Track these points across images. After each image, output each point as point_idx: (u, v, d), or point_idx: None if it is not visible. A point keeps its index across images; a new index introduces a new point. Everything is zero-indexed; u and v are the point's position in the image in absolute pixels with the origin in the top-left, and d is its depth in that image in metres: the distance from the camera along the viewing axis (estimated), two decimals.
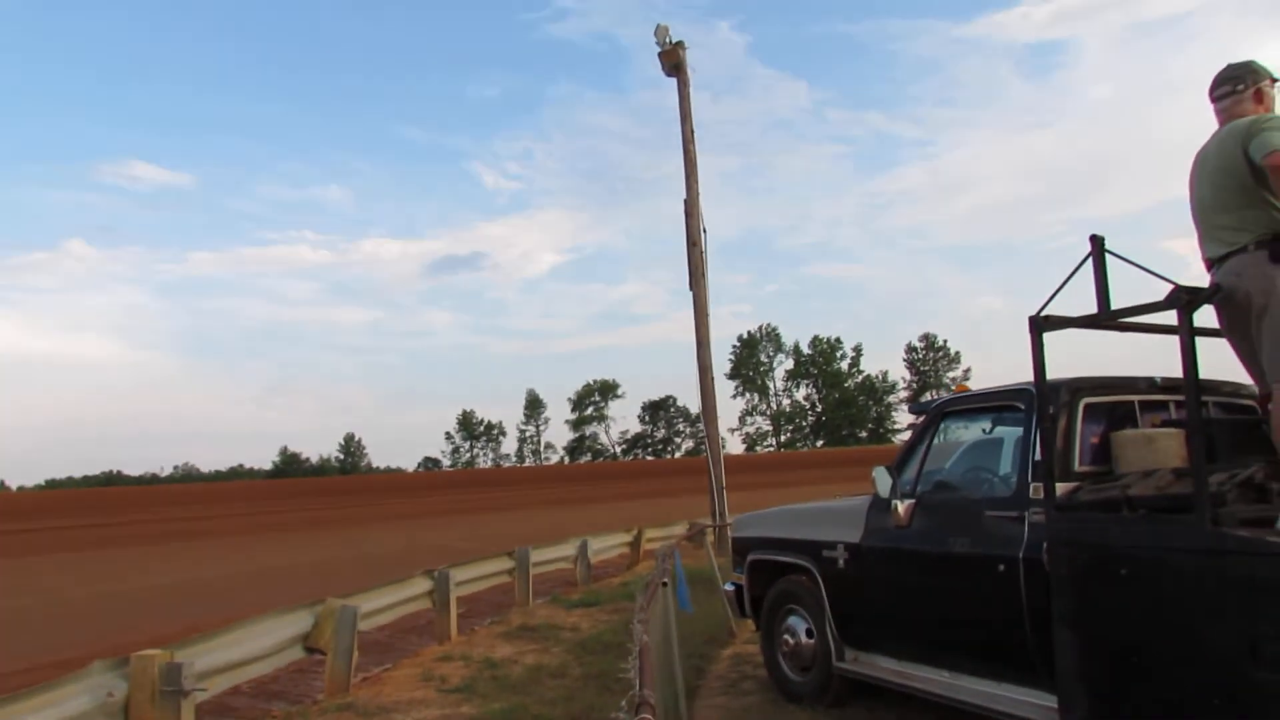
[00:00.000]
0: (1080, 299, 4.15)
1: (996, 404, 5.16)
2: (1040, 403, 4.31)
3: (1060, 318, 4.19)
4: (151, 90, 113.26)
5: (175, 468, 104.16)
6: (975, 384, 5.89)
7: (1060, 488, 4.22)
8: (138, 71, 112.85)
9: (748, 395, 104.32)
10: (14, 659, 9.11)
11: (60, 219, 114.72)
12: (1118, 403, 4.75)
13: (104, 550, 26.19)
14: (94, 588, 15.98)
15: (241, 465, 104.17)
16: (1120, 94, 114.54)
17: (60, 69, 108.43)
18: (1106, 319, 4.06)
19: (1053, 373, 4.32)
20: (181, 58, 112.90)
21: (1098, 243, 4.02)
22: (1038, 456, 4.44)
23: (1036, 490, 4.40)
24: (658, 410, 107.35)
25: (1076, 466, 4.46)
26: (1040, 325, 4.18)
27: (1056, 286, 4.13)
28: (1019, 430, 4.81)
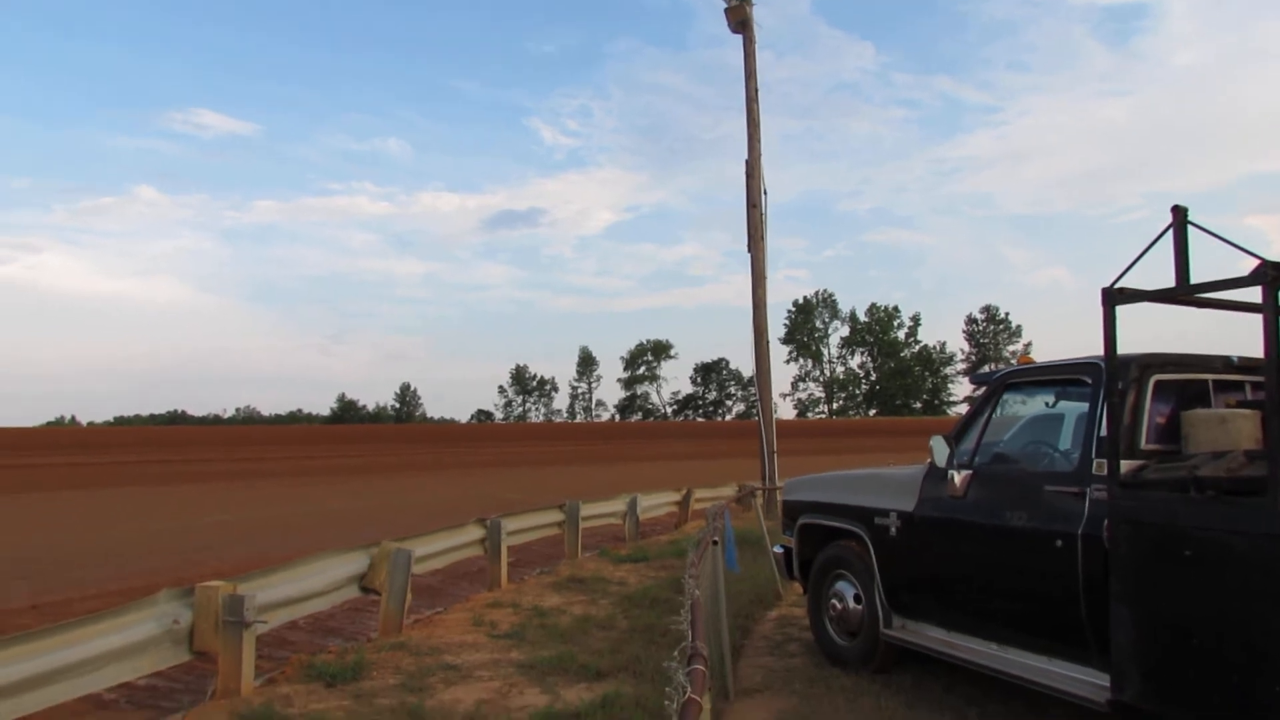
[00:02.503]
0: (1153, 275, 4.05)
1: (1062, 377, 5.06)
2: (1109, 378, 4.21)
3: (1135, 290, 4.08)
4: (218, 38, 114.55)
5: (237, 410, 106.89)
6: (1037, 358, 5.78)
7: (1125, 465, 4.14)
8: (205, 18, 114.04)
9: (801, 361, 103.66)
10: (84, 586, 9.49)
11: (130, 164, 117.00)
12: (1190, 381, 4.63)
13: (169, 486, 27.07)
14: (159, 521, 16.54)
15: (300, 410, 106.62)
16: (1205, 61, 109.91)
17: (129, 15, 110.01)
18: (1184, 293, 3.94)
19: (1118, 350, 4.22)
20: (245, 6, 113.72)
21: (1180, 214, 3.90)
22: (1103, 432, 4.35)
23: (1100, 467, 4.32)
24: (710, 372, 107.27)
25: (1143, 444, 4.37)
26: (1113, 298, 4.07)
27: (1134, 258, 4.02)
28: (1084, 405, 4.71)
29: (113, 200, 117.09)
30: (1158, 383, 4.50)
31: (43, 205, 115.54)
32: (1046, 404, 5.29)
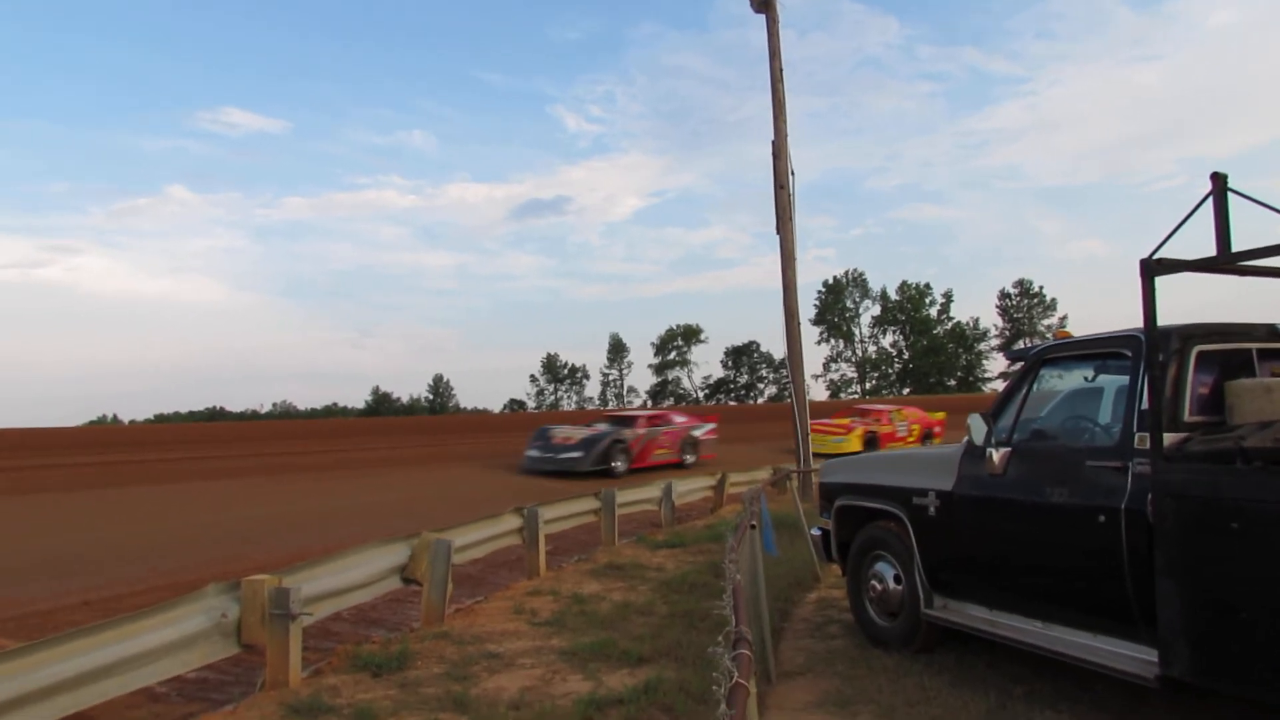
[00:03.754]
0: (1192, 244, 3.99)
1: (1101, 351, 5.00)
2: (1149, 350, 4.16)
3: (1175, 260, 4.02)
4: (241, 36, 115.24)
5: (274, 405, 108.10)
6: (1074, 332, 5.71)
7: (1168, 438, 4.10)
8: (228, 16, 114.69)
9: (833, 341, 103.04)
10: (131, 581, 9.66)
11: (162, 164, 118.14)
12: (1233, 350, 4.56)
13: (209, 481, 27.44)
14: (201, 516, 16.78)
15: (336, 404, 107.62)
16: (1242, 20, 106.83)
17: (154, 17, 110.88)
18: (1226, 262, 3.88)
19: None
20: (266, 2, 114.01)
21: (1220, 181, 3.84)
22: (1144, 406, 4.30)
23: (1142, 440, 4.28)
24: (740, 355, 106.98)
25: (1186, 416, 4.32)
26: (1152, 269, 4.01)
27: (1173, 227, 3.96)
28: (1124, 379, 4.67)
29: (147, 201, 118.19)
30: (1200, 353, 4.44)
31: (80, 208, 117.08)
32: (1085, 378, 5.23)
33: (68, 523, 16.07)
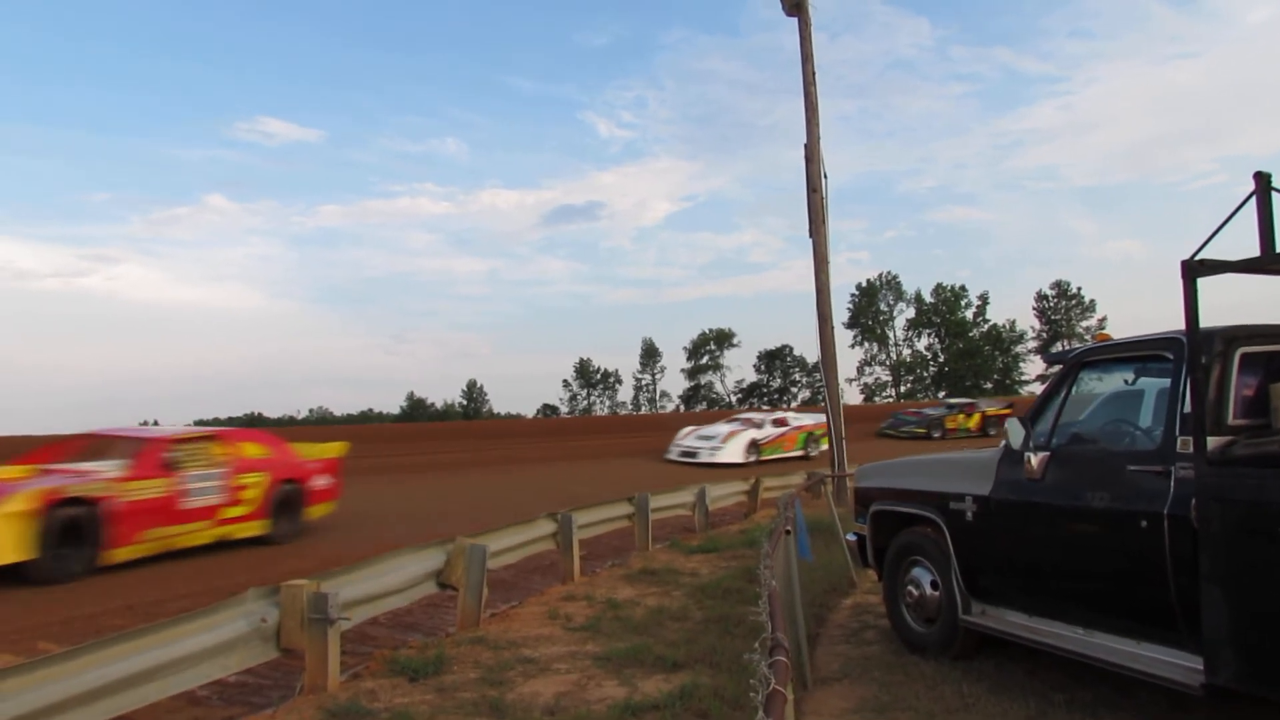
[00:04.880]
0: (1234, 244, 3.92)
1: (1142, 354, 4.93)
2: (1192, 352, 4.09)
3: (1217, 262, 3.95)
4: (276, 45, 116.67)
5: (310, 411, 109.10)
6: (1112, 333, 5.63)
7: (1212, 441, 4.03)
8: (261, 26, 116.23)
9: (866, 345, 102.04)
10: (171, 587, 9.81)
11: (200, 173, 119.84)
12: (1278, 352, 4.48)
13: None
14: None
15: (371, 409, 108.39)
16: None
17: (192, 26, 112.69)
18: (1271, 262, 3.81)
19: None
20: (298, 12, 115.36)
21: (1263, 180, 3.77)
22: (1187, 409, 4.23)
23: (1185, 444, 4.21)
24: (773, 359, 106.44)
25: (1230, 419, 4.25)
26: (1194, 270, 3.95)
27: (1214, 228, 3.90)
28: (1166, 381, 4.60)
29: (186, 210, 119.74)
30: (1244, 355, 4.37)
31: (120, 217, 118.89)
32: (1125, 381, 5.16)
33: None
